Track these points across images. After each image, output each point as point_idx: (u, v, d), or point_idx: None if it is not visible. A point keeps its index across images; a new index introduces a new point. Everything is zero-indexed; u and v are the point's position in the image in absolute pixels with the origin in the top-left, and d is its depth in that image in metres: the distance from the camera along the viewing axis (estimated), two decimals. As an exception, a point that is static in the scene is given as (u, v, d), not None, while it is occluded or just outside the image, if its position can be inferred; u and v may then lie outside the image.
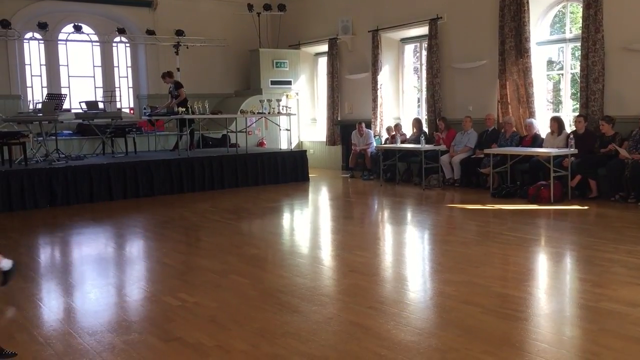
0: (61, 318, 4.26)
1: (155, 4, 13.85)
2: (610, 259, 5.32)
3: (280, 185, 11.39)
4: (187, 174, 10.56)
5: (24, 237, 7.15)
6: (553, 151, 8.55)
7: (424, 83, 11.89)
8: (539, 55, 10.14)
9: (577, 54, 9.74)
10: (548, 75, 10.73)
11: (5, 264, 4.62)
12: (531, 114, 9.78)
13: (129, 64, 14.46)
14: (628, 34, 8.63)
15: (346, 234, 7.09)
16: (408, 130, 11.98)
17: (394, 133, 11.61)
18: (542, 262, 5.65)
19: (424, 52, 11.90)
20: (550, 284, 4.92)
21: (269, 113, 12.04)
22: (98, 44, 13.99)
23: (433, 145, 10.58)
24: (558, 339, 3.60)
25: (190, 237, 7.24)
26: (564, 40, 10.10)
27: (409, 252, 6.23)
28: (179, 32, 13.62)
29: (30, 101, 12.89)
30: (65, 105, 12.12)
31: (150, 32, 13.49)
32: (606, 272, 4.93)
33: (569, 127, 9.53)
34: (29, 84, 13.21)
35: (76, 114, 11.51)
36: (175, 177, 10.43)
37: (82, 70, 13.94)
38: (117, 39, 14.08)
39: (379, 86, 12.50)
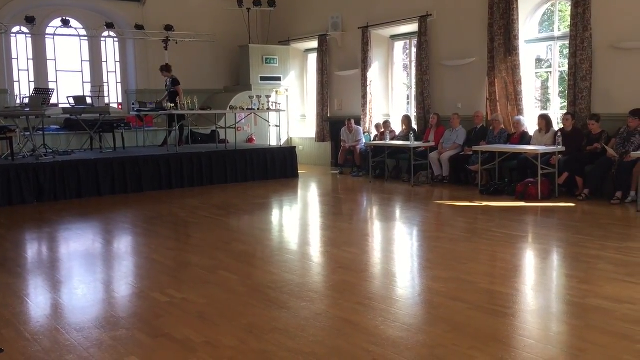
0: (48, 314, 4.23)
1: (144, -1, 13.77)
2: (596, 256, 5.36)
3: (269, 182, 11.38)
4: (175, 170, 10.52)
5: (11, 233, 7.10)
6: (541, 149, 8.60)
7: (414, 80, 11.91)
8: (527, 53, 10.19)
9: (565, 52, 9.80)
10: (536, 73, 10.79)
11: None
12: (519, 112, 9.83)
13: (118, 58, 14.36)
14: (616, 32, 8.70)
15: (335, 230, 7.09)
16: (397, 127, 12.01)
17: (383, 130, 11.63)
18: (529, 259, 5.69)
19: (414, 49, 11.93)
20: (537, 280, 4.95)
21: (258, 109, 12.02)
22: (86, 38, 13.88)
23: (422, 142, 10.61)
24: (544, 334, 3.63)
25: (179, 233, 7.22)
26: (552, 39, 10.15)
27: (397, 248, 6.25)
28: (168, 27, 13.54)
29: (17, 96, 12.80)
30: (53, 100, 11.99)
31: (139, 27, 13.41)
32: (592, 269, 4.98)
33: (557, 125, 9.59)
34: (16, 78, 13.10)
35: (64, 108, 11.40)
36: (164, 173, 10.38)
37: (69, 65, 13.84)
38: (106, 33, 13.98)
39: (368, 83, 12.50)
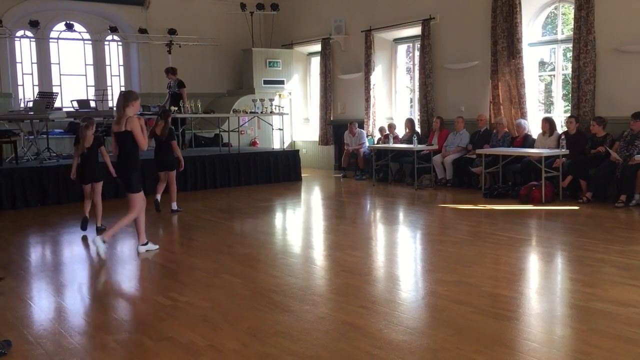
0: (52, 317, 4.24)
1: (148, 3, 13.80)
2: (600, 259, 5.35)
3: (272, 185, 11.38)
4: (179, 173, 10.48)
5: (15, 236, 7.11)
6: (544, 152, 8.59)
7: (417, 83, 11.91)
8: (530, 56, 10.18)
9: (568, 55, 9.78)
10: (540, 76, 10.77)
11: None
12: (523, 115, 9.82)
13: (121, 62, 14.41)
14: (619, 35, 8.68)
15: (338, 233, 7.08)
16: (400, 130, 12.00)
17: (387, 133, 11.62)
18: (533, 262, 5.67)
19: (417, 53, 11.93)
20: (541, 283, 4.94)
21: (261, 112, 12.02)
22: (90, 42, 13.93)
23: (425, 145, 10.60)
24: (549, 338, 3.62)
25: (182, 237, 7.22)
26: (555, 42, 10.14)
27: (401, 251, 6.24)
28: (172, 31, 13.57)
29: (21, 99, 12.84)
30: (57, 104, 12.05)
31: (143, 31, 13.44)
32: (597, 272, 4.96)
33: (561, 128, 9.58)
34: (20, 82, 13.15)
35: (68, 112, 11.44)
36: (167, 176, 10.36)
37: (73, 69, 13.89)
38: (109, 37, 14.04)
39: (371, 86, 12.51)
